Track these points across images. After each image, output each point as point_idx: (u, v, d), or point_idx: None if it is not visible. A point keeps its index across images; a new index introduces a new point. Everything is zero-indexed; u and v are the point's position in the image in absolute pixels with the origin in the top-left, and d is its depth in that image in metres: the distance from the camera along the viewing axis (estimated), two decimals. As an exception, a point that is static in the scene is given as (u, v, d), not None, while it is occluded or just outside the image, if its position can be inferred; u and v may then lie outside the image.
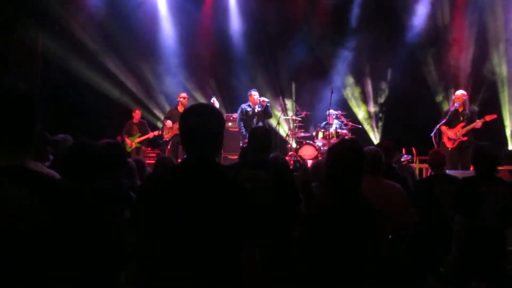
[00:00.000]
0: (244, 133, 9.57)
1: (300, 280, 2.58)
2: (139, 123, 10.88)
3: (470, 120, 8.27)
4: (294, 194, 3.51)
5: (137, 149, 10.67)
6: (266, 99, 9.67)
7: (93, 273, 1.39)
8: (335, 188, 2.66)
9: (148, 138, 10.81)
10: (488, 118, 8.30)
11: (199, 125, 2.15)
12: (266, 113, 9.59)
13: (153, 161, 8.10)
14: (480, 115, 8.41)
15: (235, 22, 12.30)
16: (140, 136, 10.67)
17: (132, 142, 10.62)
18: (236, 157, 8.15)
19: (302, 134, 10.51)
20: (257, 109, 9.57)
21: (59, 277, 1.32)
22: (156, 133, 10.57)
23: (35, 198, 1.33)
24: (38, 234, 1.30)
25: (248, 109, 9.65)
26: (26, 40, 10.57)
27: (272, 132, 3.89)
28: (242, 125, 9.68)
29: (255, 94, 9.69)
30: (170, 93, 11.67)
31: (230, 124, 10.67)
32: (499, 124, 10.24)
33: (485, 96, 10.39)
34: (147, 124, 11.01)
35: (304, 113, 10.40)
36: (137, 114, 10.94)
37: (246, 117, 9.64)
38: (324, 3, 11.68)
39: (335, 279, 2.52)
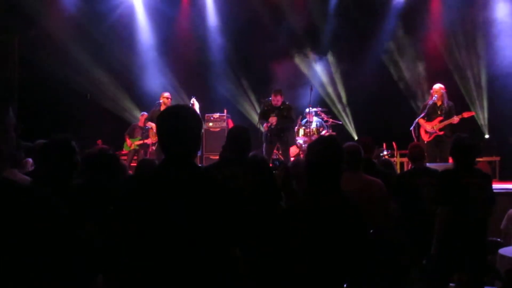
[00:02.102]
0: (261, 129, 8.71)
1: (282, 278, 2.58)
2: (143, 127, 10.82)
3: (448, 115, 8.22)
4: (274, 192, 3.51)
5: (136, 151, 10.73)
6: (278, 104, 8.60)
7: (66, 277, 1.37)
8: (314, 185, 2.65)
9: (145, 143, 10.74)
10: (465, 115, 8.28)
11: (176, 127, 2.15)
12: (282, 117, 8.61)
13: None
14: (457, 110, 8.40)
15: (212, 20, 12.27)
16: (140, 140, 10.66)
17: (132, 143, 10.68)
18: (217, 157, 8.07)
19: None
20: (274, 111, 8.63)
21: (31, 282, 1.29)
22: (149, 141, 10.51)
23: (3, 205, 1.31)
24: (7, 240, 1.27)
25: (266, 108, 8.75)
26: (2, 41, 10.43)
27: (249, 131, 3.87)
28: (263, 123, 8.78)
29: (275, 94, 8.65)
30: (150, 93, 11.58)
31: (211, 124, 10.63)
32: (472, 117, 10.36)
33: (455, 92, 10.48)
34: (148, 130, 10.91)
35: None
36: (143, 117, 10.81)
37: (264, 116, 8.73)
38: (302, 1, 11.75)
39: (315, 277, 2.51)
